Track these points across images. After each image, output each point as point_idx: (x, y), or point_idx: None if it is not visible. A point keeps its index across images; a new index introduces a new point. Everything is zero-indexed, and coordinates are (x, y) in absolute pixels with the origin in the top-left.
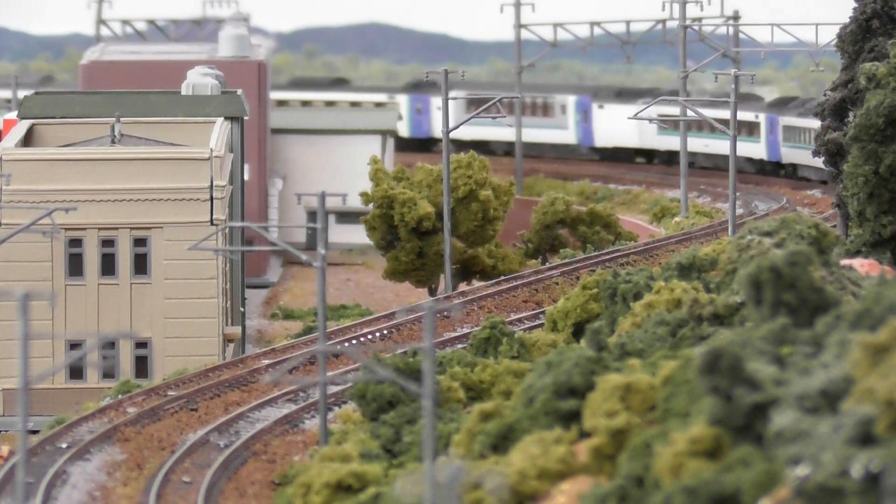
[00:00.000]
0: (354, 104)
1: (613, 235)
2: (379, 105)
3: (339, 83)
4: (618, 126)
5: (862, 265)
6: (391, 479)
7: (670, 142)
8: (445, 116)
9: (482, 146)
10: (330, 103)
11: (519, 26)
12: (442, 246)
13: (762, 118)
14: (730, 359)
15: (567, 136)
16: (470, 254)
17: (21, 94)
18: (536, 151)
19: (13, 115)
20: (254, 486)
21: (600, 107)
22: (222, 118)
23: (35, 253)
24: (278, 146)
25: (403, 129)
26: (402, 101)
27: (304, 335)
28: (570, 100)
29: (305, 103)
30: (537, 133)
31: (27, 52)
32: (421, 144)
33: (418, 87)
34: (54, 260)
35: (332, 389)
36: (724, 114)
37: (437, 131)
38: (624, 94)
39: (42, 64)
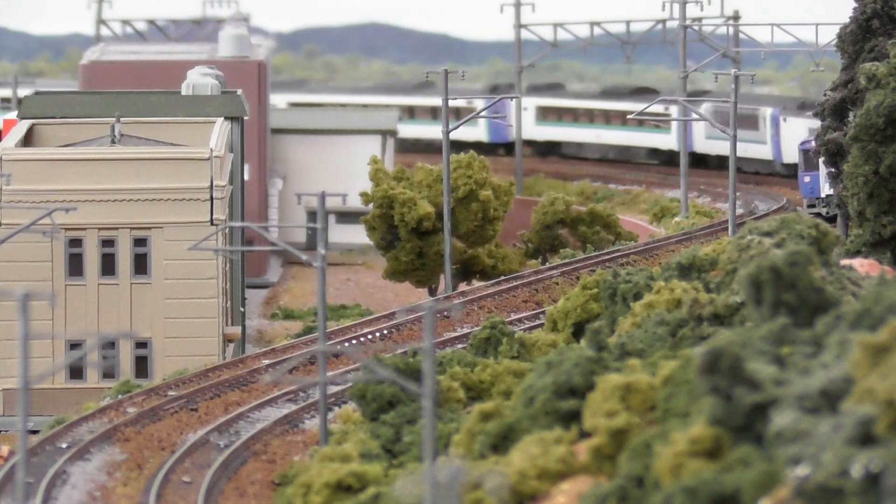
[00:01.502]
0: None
1: (613, 235)
2: (657, 118)
3: (642, 92)
4: (794, 141)
5: (862, 265)
6: (391, 479)
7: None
8: (445, 116)
9: (723, 161)
10: (604, 112)
11: (519, 26)
12: (442, 246)
13: None
14: (730, 359)
15: (764, 151)
16: (470, 254)
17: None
18: (744, 166)
19: (13, 115)
20: (254, 486)
21: (784, 120)
22: (222, 118)
23: (35, 253)
24: (278, 146)
25: (671, 142)
26: (673, 112)
27: (304, 335)
28: (767, 112)
29: (574, 111)
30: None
31: (27, 52)
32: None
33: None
34: (54, 260)
35: (332, 389)
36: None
37: (699, 145)
38: (806, 106)
39: (42, 64)
